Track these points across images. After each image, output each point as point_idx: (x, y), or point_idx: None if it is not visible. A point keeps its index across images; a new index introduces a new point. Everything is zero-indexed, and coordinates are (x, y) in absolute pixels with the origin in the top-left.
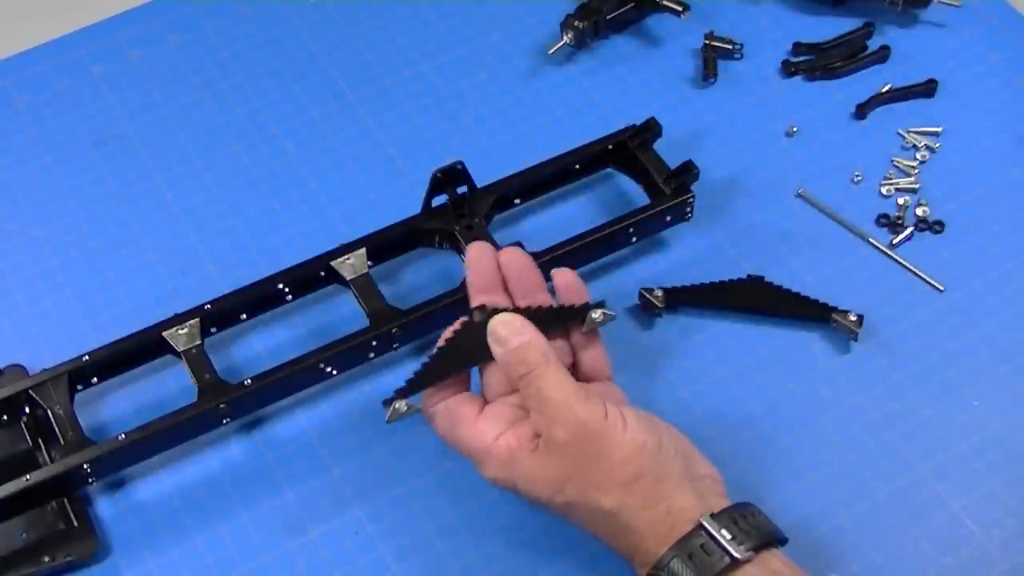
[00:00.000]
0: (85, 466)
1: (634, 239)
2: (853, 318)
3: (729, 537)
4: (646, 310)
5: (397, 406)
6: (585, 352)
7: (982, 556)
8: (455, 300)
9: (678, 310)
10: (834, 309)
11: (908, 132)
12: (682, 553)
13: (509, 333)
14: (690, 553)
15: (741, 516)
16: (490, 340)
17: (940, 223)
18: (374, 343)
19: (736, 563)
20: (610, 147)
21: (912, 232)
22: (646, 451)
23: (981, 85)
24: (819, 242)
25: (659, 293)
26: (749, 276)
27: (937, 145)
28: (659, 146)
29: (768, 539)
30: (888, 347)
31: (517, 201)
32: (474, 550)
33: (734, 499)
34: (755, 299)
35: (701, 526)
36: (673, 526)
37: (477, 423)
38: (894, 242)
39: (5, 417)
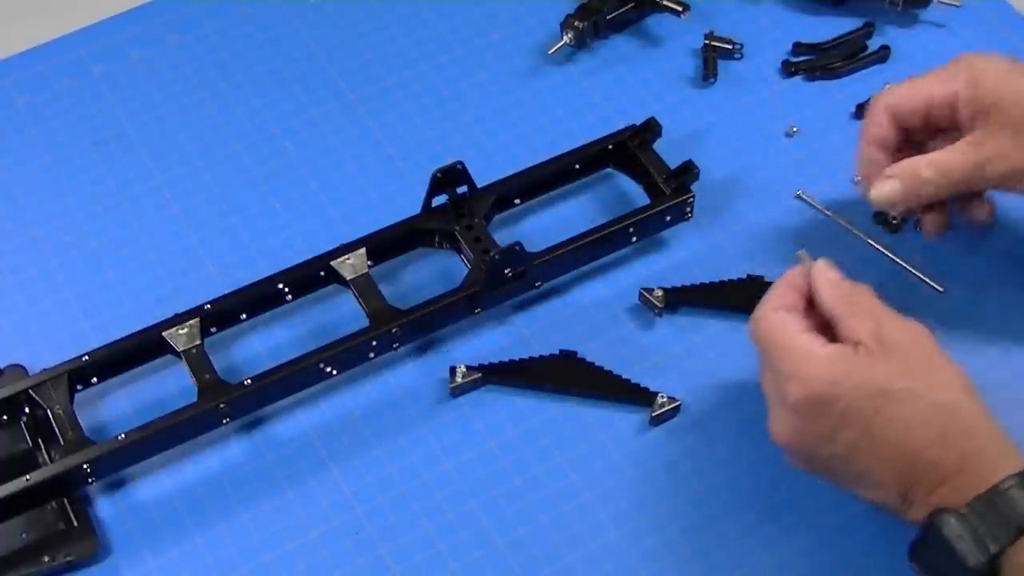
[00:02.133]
0: (85, 466)
1: (634, 239)
2: None
3: None
4: (646, 310)
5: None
6: None
7: None
8: (455, 300)
9: (678, 310)
10: None
11: None
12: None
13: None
14: None
15: None
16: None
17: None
18: (374, 343)
19: None
20: (610, 147)
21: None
22: None
23: None
24: (819, 242)
25: (659, 293)
26: (749, 276)
27: None
28: (659, 146)
29: None
30: None
31: (517, 201)
32: (474, 550)
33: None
34: (755, 299)
35: None
36: (1014, 451)
37: (805, 333)
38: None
39: (5, 417)
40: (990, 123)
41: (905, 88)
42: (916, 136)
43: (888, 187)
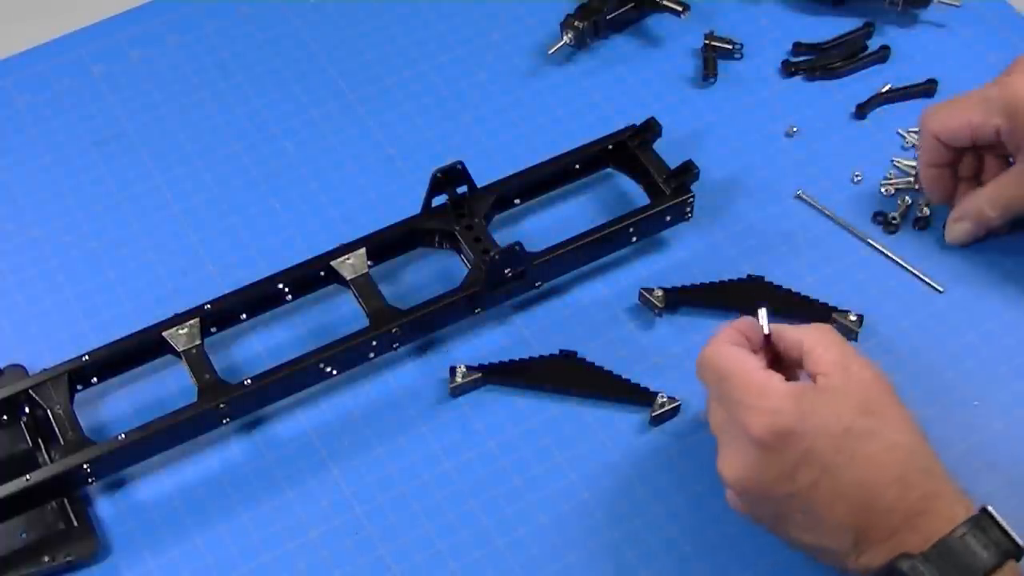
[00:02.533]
0: (85, 466)
1: (634, 239)
2: (853, 318)
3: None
4: (646, 310)
5: (460, 370)
6: None
7: None
8: (455, 300)
9: (678, 310)
10: (834, 309)
11: (908, 132)
12: (979, 529)
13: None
14: (985, 529)
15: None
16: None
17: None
18: (374, 343)
19: (1017, 555)
20: (610, 147)
21: (900, 224)
22: None
23: (981, 85)
24: (819, 242)
25: (659, 293)
26: (749, 276)
27: None
28: (659, 146)
29: None
30: (888, 347)
31: (517, 201)
32: (474, 550)
33: None
34: (755, 299)
35: (985, 509)
36: (965, 495)
37: (762, 369)
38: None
39: (5, 417)
40: None
41: (948, 115)
42: (967, 152)
43: (959, 229)
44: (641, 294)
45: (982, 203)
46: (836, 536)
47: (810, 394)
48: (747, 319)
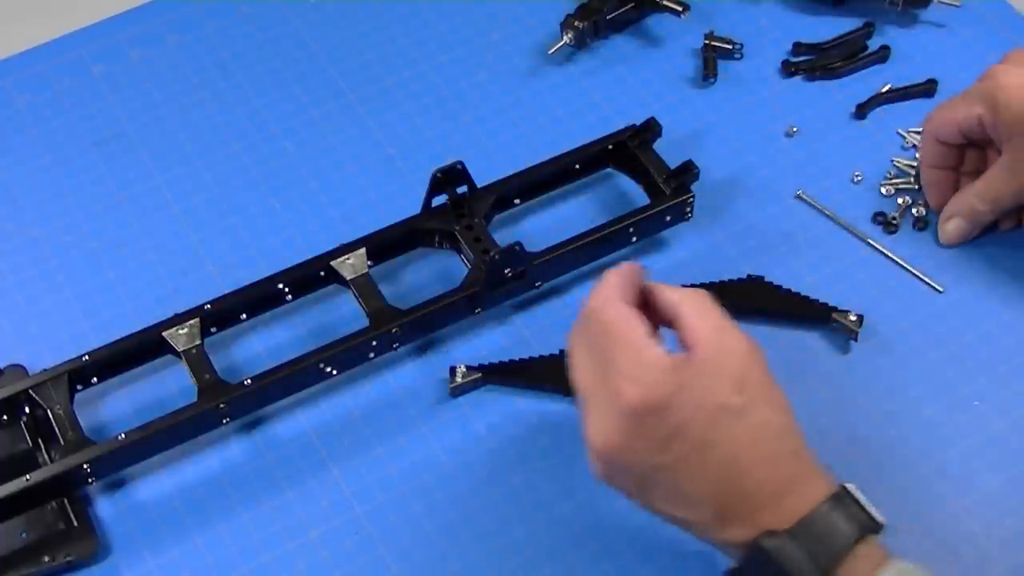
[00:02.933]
0: (85, 466)
1: (634, 239)
2: (853, 318)
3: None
4: None
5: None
6: None
7: (982, 556)
8: (455, 300)
9: None
10: (834, 309)
11: (908, 132)
12: (841, 505)
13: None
14: (846, 505)
15: None
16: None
17: None
18: (374, 343)
19: (875, 529)
20: (610, 147)
21: (899, 226)
22: None
23: None
24: (819, 242)
25: None
26: (749, 276)
27: None
28: (659, 146)
29: None
30: (888, 347)
31: (517, 201)
32: (474, 550)
33: None
34: (755, 299)
35: (844, 487)
36: (826, 473)
37: (649, 336)
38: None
39: (5, 417)
40: (1018, 144)
41: (941, 112)
42: (968, 149)
43: (952, 226)
44: None
45: (971, 198)
46: (697, 510)
47: (685, 368)
48: (632, 265)
